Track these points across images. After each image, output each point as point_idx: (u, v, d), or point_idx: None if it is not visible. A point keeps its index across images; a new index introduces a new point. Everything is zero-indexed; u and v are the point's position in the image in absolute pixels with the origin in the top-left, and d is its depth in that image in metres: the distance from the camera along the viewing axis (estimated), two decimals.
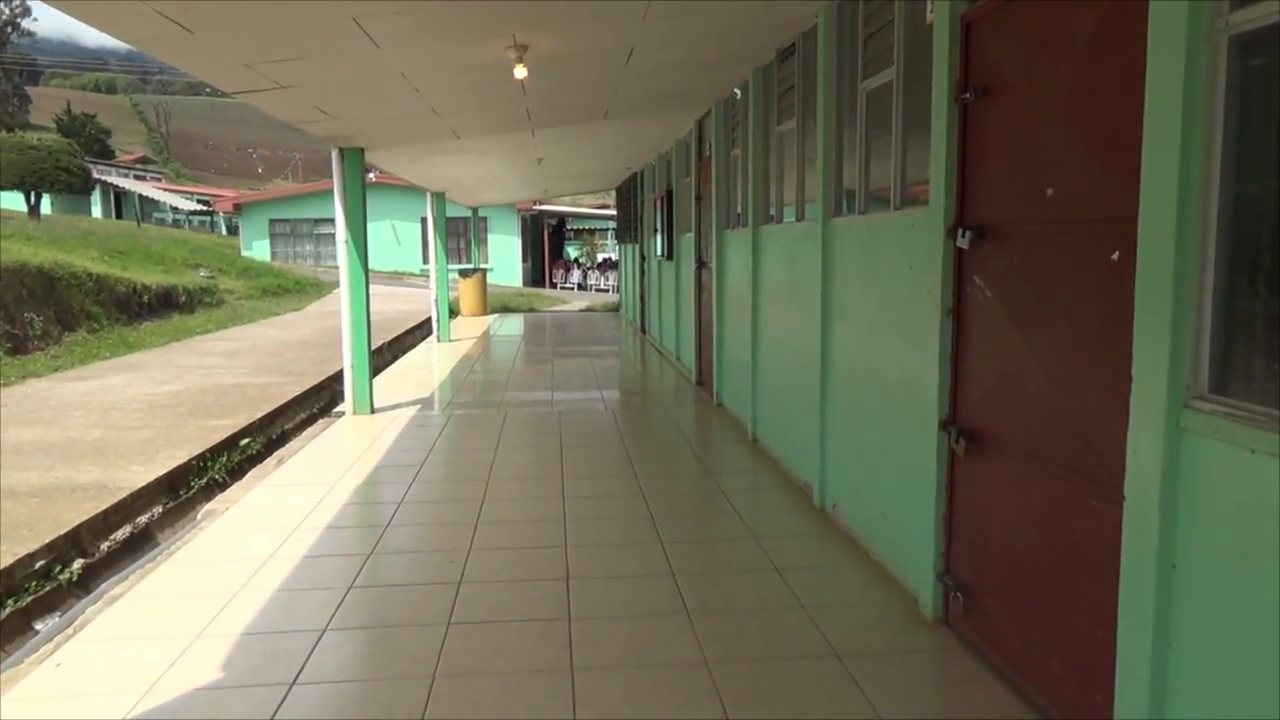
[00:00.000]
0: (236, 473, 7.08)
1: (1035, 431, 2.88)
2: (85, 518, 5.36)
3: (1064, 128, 2.71)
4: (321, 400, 10.02)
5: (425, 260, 28.68)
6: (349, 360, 8.05)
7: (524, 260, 32.21)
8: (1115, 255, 2.43)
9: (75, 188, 31.61)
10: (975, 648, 3.32)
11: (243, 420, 8.03)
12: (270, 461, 6.93)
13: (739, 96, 7.36)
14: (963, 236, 3.24)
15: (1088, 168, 2.60)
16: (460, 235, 28.91)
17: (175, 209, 49.94)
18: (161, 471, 6.35)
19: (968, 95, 3.24)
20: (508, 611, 3.77)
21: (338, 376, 9.76)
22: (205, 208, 49.08)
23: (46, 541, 4.99)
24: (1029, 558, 2.94)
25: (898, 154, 4.06)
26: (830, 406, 4.97)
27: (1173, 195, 2.12)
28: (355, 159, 7.95)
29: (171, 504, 6.28)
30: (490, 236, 30.95)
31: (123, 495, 5.81)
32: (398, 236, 31.20)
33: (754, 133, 6.69)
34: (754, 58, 6.37)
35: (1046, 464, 2.81)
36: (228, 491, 6.29)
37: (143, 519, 5.90)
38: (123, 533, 5.64)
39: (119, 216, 44.30)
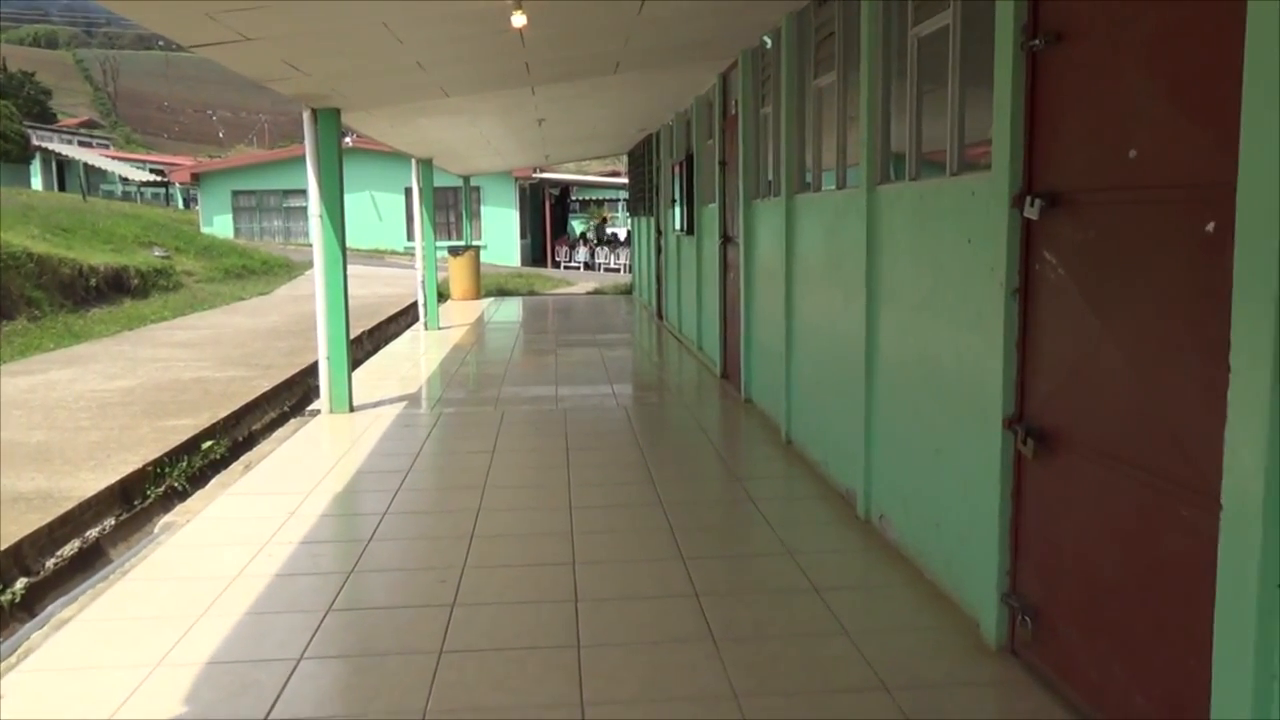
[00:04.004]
0: (198, 480, 7.12)
1: (1116, 430, 2.86)
2: (28, 531, 5.41)
3: (1149, 78, 2.68)
4: (293, 397, 10.07)
5: (410, 237, 28.72)
6: (324, 351, 8.08)
7: (523, 236, 32.23)
8: (1210, 226, 2.40)
9: (11, 156, 31.92)
10: (1045, 679, 3.30)
11: (204, 420, 8.08)
12: (236, 467, 6.96)
13: (770, 46, 7.33)
14: (1031, 205, 3.22)
15: (1177, 125, 2.57)
16: (450, 208, 28.93)
17: (125, 180, 50.26)
18: (114, 479, 6.40)
19: (1037, 42, 3.21)
20: (508, 638, 3.78)
21: (312, 370, 9.81)
22: (159, 178, 49.40)
23: None
24: (1109, 576, 2.92)
25: (954, 111, 4.04)
26: (876, 402, 4.96)
27: (1276, 156, 2.09)
28: (330, 121, 7.96)
29: (125, 515, 6.33)
30: (484, 209, 30.97)
31: (70, 505, 5.86)
32: (379, 210, 31.27)
33: (787, 88, 6.65)
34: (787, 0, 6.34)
35: (1129, 467, 2.79)
36: (188, 501, 6.32)
37: (93, 532, 5.95)
38: (71, 548, 5.69)
39: (62, 188, 44.63)
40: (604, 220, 37.82)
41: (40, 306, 14.13)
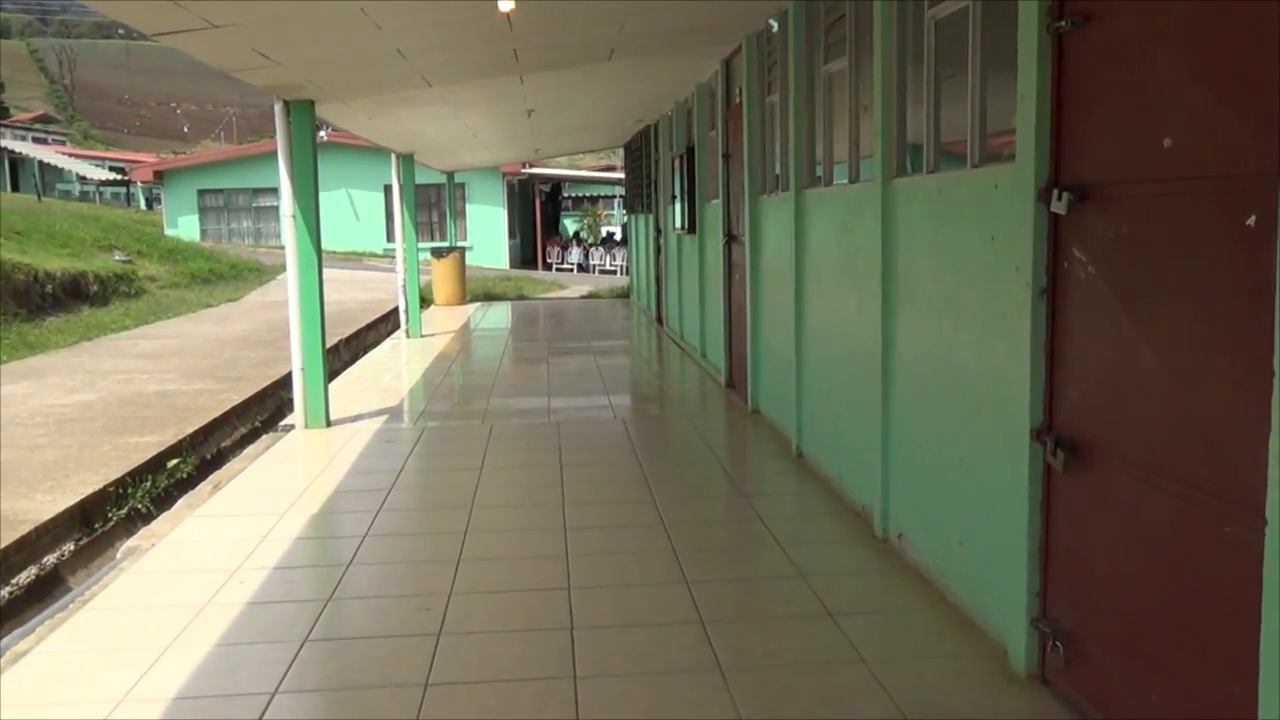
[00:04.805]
0: (164, 501, 7.12)
1: (1153, 440, 2.87)
2: None
3: (1185, 61, 2.69)
4: (265, 411, 10.07)
5: (390, 238, 28.74)
6: (298, 362, 8.08)
7: (511, 236, 32.22)
8: (1251, 220, 2.41)
9: None
10: (1079, 709, 3.30)
11: (170, 437, 8.07)
12: (204, 487, 6.95)
13: (776, 30, 7.35)
14: (1059, 199, 3.23)
15: (1215, 112, 2.57)
16: (433, 206, 28.93)
17: (83, 178, 50.29)
18: (73, 500, 6.40)
19: (1063, 23, 3.22)
20: (499, 669, 3.77)
21: (285, 382, 9.81)
22: (120, 176, 49.43)
23: None
24: (1146, 597, 2.92)
25: (975, 98, 4.05)
26: (894, 412, 4.96)
27: None
28: (304, 114, 7.97)
29: (85, 540, 6.32)
30: (469, 207, 30.97)
31: (26, 530, 5.85)
32: (356, 209, 31.28)
33: (796, 74, 6.67)
34: None
35: (1167, 480, 2.79)
36: (153, 524, 6.32)
37: (51, 558, 5.95)
38: (26, 575, 5.68)
39: (15, 188, 44.66)
40: (609, 234, 37.39)
41: None
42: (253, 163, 32.56)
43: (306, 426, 8.12)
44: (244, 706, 3.51)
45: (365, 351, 13.89)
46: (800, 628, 4.08)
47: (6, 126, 56.49)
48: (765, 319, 7.95)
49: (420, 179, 15.99)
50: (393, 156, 14.76)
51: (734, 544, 5.32)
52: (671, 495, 6.06)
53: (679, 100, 12.31)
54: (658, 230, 15.03)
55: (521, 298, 22.43)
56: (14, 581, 5.58)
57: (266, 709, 3.50)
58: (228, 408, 9.36)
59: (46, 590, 5.73)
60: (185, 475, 7.71)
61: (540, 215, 34.72)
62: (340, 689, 3.68)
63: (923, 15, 4.58)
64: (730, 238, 9.31)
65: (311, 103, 8.04)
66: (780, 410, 7.49)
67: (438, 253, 20.21)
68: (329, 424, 8.21)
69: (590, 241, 35.17)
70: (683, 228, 12.11)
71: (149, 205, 47.29)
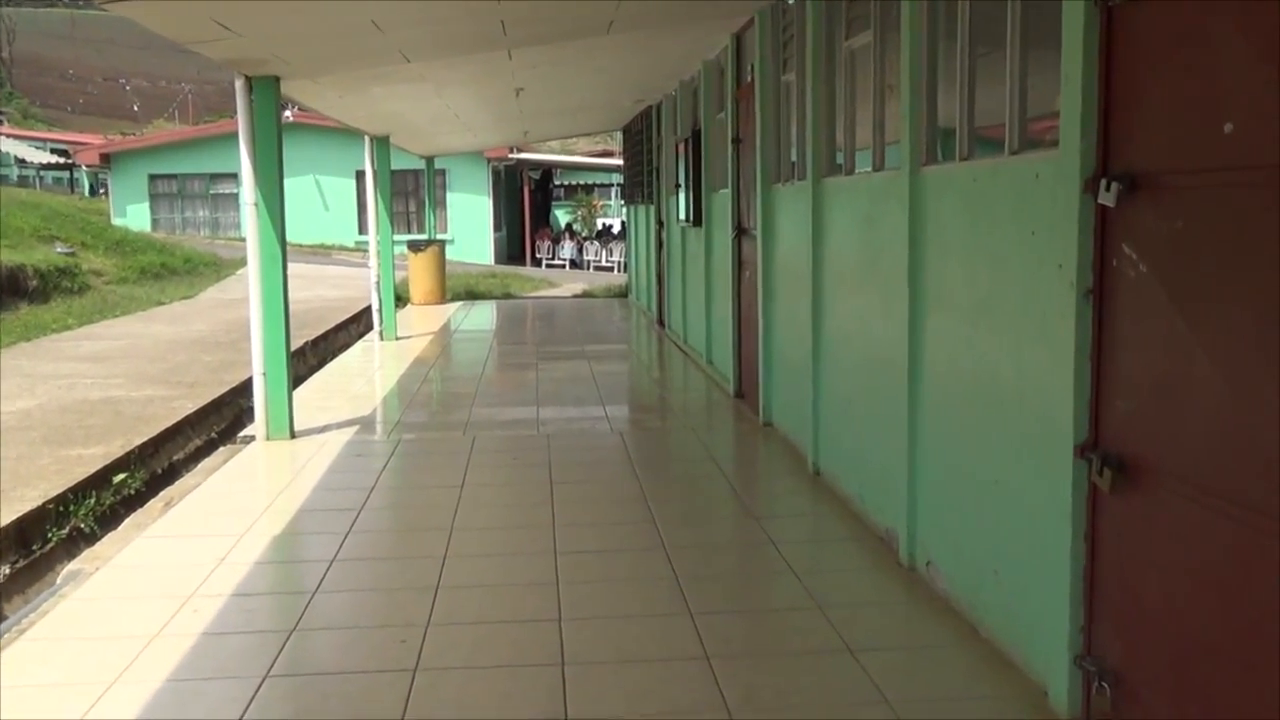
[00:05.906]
0: (109, 519, 7.11)
1: (1210, 459, 2.86)
2: None
3: (1247, 38, 2.69)
4: (223, 420, 10.07)
5: (362, 230, 28.77)
6: (260, 366, 8.07)
7: (497, 228, 32.26)
8: None
9: None
10: None
11: (117, 448, 8.07)
12: (155, 504, 6.94)
13: (793, 0, 7.36)
14: (1107, 190, 3.23)
15: None
16: (410, 195, 28.98)
17: (22, 161, 50.40)
18: (8, 519, 6.39)
19: None
20: (481, 710, 3.76)
21: (245, 388, 9.81)
22: (62, 159, 49.51)
23: None
24: (1202, 632, 2.92)
25: (1014, 78, 4.05)
26: (922, 426, 4.96)
27: None
28: (268, 92, 7.97)
29: (21, 562, 6.31)
30: (451, 196, 31.01)
31: None
32: (325, 197, 31.31)
33: (814, 50, 6.68)
34: None
35: (1226, 503, 2.79)
36: (98, 545, 6.30)
37: None
38: None
39: None
40: (605, 226, 37.22)
41: None
42: (210, 145, 32.57)
43: (268, 438, 8.11)
44: None
45: (334, 355, 13.90)
46: (817, 665, 4.07)
47: None
48: (779, 322, 7.95)
49: (396, 164, 16.01)
50: (366, 139, 14.76)
51: (743, 571, 5.31)
52: (674, 516, 6.06)
53: (684, 79, 12.33)
54: (659, 223, 15.05)
55: (508, 296, 22.44)
56: None
57: None
58: (181, 417, 9.35)
59: None
60: (133, 491, 7.71)
61: (529, 205, 34.77)
62: None
63: None
64: (740, 231, 9.32)
65: (276, 79, 8.04)
66: (794, 423, 7.49)
67: (415, 246, 20.23)
68: (293, 435, 8.19)
69: (584, 235, 35.24)
70: (687, 220, 12.11)
71: (94, 191, 47.34)
